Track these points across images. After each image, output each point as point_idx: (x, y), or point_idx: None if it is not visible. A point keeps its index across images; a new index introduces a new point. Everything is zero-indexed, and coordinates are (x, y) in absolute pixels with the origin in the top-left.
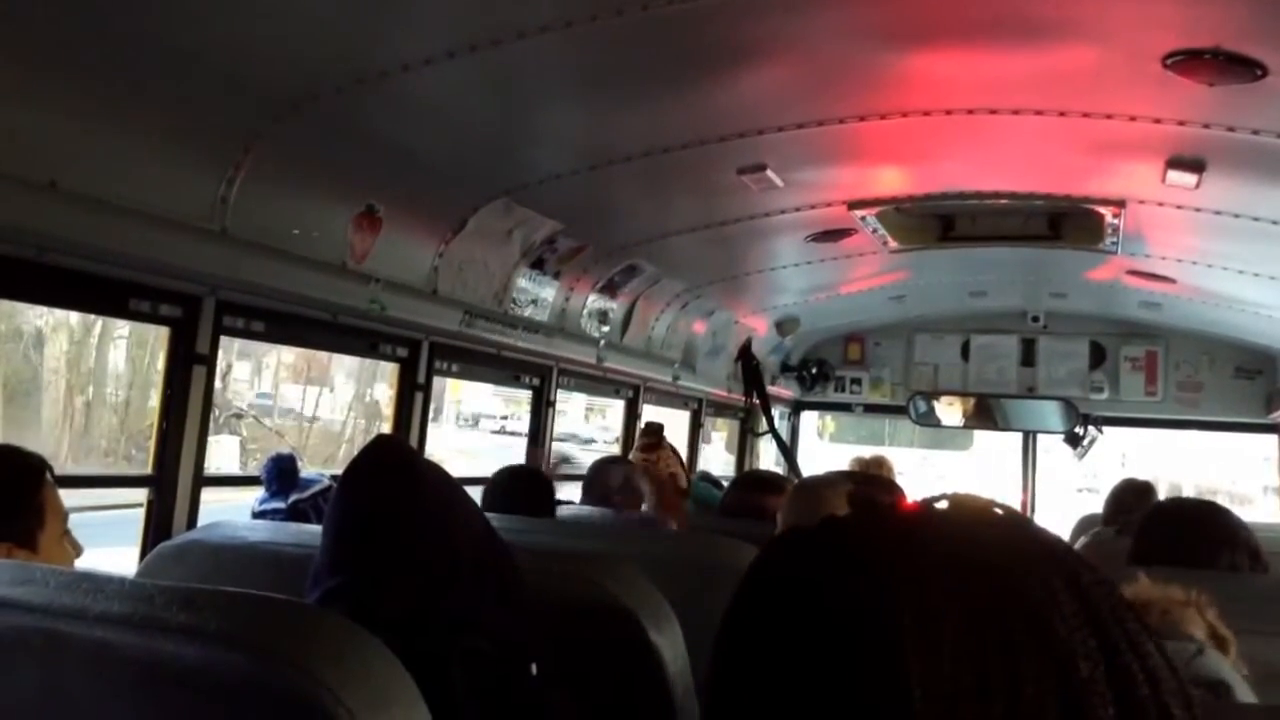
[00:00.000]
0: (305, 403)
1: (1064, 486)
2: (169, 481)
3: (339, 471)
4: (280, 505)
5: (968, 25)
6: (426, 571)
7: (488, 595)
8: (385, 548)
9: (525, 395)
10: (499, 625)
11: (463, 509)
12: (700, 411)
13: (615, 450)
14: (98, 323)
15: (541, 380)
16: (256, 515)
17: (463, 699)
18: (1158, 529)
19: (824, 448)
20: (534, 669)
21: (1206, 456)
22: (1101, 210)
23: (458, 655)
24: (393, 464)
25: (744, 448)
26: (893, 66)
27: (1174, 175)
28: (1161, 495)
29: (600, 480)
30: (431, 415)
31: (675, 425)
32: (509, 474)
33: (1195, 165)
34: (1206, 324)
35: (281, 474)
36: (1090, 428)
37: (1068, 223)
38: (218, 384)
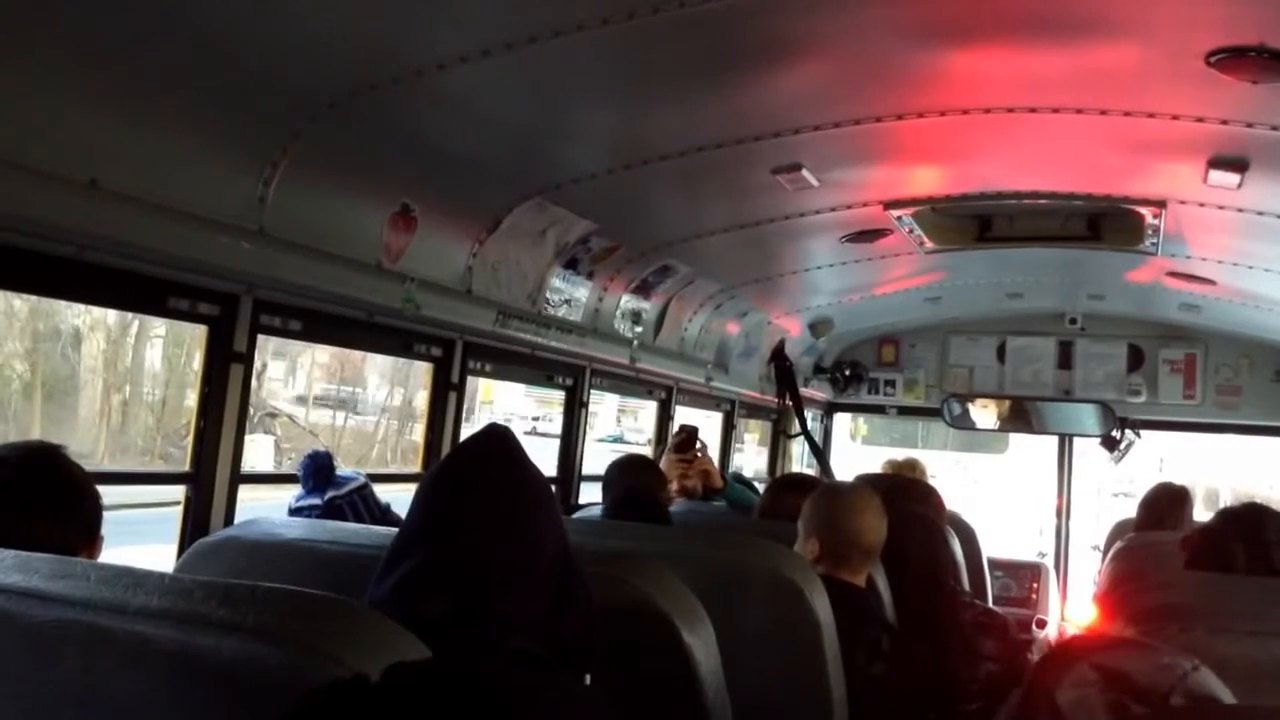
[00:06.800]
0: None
1: (1099, 491)
2: (206, 479)
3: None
4: (317, 502)
5: (1008, 23)
6: (491, 571)
7: (546, 599)
8: (461, 545)
9: (558, 396)
10: (554, 630)
11: (548, 513)
12: (733, 413)
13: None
14: (135, 321)
15: (575, 381)
16: (293, 512)
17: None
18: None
19: (856, 450)
20: (587, 679)
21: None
22: (1142, 210)
23: (504, 656)
24: (492, 461)
25: (776, 450)
26: (931, 65)
27: (1216, 175)
28: (1199, 500)
29: (620, 479)
30: (464, 415)
31: (708, 427)
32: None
33: (1238, 165)
34: (1247, 327)
35: (318, 471)
36: (1128, 431)
37: (1107, 223)
38: (253, 383)
